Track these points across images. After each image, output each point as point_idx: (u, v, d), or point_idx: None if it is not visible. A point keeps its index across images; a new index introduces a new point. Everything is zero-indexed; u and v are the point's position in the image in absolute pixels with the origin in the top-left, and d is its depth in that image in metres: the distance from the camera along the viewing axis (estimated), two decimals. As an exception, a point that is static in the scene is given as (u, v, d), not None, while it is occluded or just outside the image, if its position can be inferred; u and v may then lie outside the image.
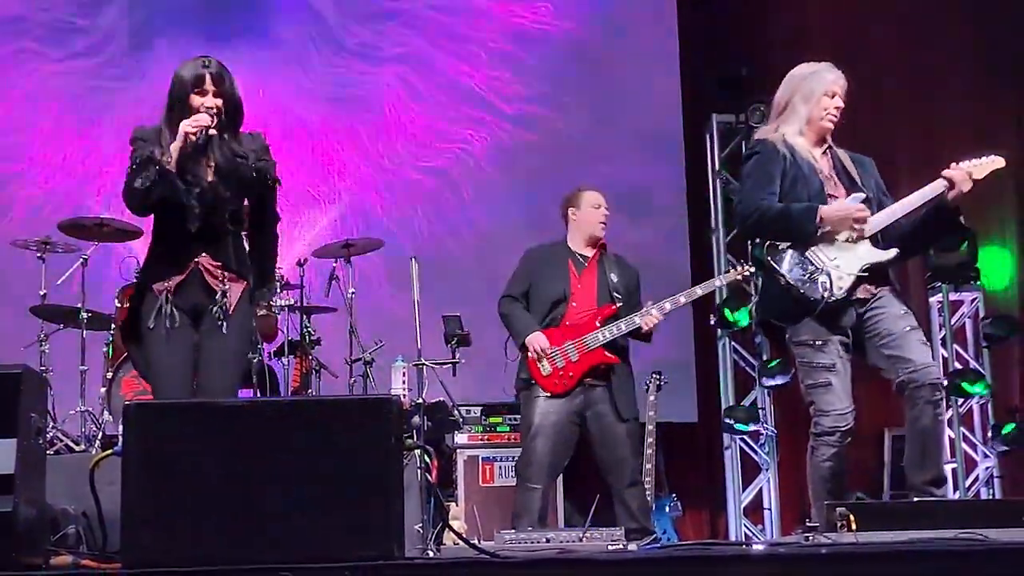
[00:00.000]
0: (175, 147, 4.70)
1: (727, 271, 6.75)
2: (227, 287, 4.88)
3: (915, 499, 4.95)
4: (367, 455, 3.51)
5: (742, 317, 9.02)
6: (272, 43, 9.34)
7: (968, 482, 8.85)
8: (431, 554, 5.47)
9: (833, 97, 5.19)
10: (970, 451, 8.98)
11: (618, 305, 6.42)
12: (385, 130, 9.39)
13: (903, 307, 5.10)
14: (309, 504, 3.48)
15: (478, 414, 7.58)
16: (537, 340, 6.36)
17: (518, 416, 7.30)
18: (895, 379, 5.01)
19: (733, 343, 9.46)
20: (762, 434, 9.24)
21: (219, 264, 4.87)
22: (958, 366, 8.94)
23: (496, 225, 9.13)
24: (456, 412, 7.35)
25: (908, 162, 8.82)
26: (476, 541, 6.01)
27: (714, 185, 9.65)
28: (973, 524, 4.36)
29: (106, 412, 7.14)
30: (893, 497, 8.27)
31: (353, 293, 7.88)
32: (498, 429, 7.61)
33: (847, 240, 5.04)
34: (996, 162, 5.13)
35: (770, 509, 9.17)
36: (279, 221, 5.10)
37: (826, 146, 5.24)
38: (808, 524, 5.03)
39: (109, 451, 3.72)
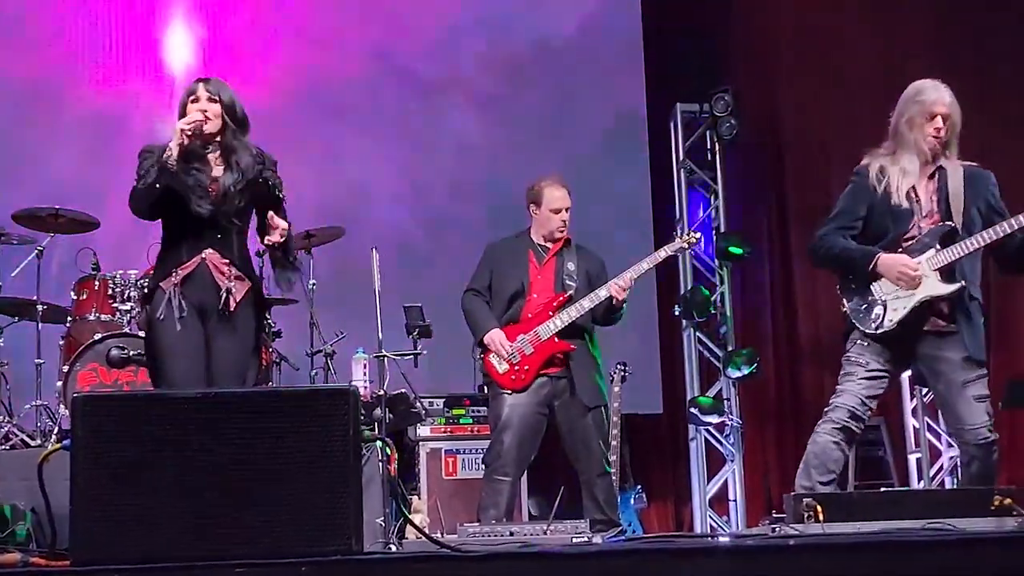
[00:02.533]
0: (174, 144, 4.91)
1: (676, 240, 6.66)
2: (232, 284, 5.03)
3: (881, 489, 4.96)
4: (324, 448, 3.44)
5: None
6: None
7: (932, 471, 8.86)
8: (393, 548, 5.40)
9: (934, 119, 5.21)
10: (935, 441, 8.98)
11: (570, 293, 6.35)
12: (346, 116, 9.30)
13: (965, 351, 5.13)
14: (265, 499, 3.41)
15: (441, 406, 7.51)
16: (494, 338, 6.31)
17: (481, 408, 7.26)
18: (949, 428, 5.34)
19: (698, 334, 9.42)
20: (727, 425, 9.21)
21: (226, 261, 5.03)
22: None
23: (457, 213, 9.03)
24: (418, 404, 7.26)
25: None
26: (439, 534, 5.94)
27: (678, 174, 9.60)
28: (939, 514, 4.36)
29: (62, 406, 7.02)
30: (859, 488, 8.26)
31: (314, 284, 7.79)
32: (461, 421, 7.54)
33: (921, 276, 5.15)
34: None
35: (735, 500, 9.15)
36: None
37: (935, 167, 5.25)
38: (774, 515, 5.00)
39: (58, 446, 3.62)
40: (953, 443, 8.86)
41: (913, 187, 5.23)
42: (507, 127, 9.36)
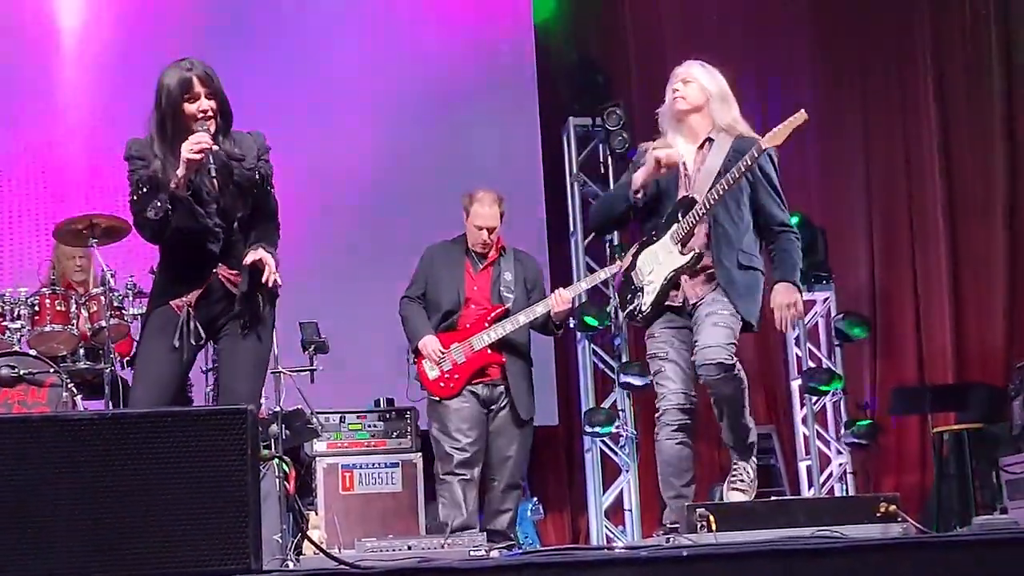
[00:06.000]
0: (181, 173, 4.47)
1: (613, 263, 7.00)
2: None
3: (774, 499, 5.05)
4: (221, 467, 3.44)
5: (600, 319, 9.13)
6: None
7: (823, 478, 9.03)
8: (291, 565, 5.39)
9: (674, 82, 5.31)
10: (824, 448, 9.16)
11: (507, 305, 6.41)
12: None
13: (714, 306, 5.12)
14: (162, 519, 3.39)
15: (337, 421, 7.49)
16: (428, 344, 6.35)
17: (377, 423, 7.29)
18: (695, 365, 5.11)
19: (592, 345, 9.49)
20: (622, 436, 9.29)
21: (236, 272, 4.71)
22: (812, 364, 9.10)
23: (350, 233, 8.96)
24: (315, 420, 7.24)
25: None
26: (336, 550, 5.94)
27: (572, 188, 9.68)
28: (828, 521, 4.46)
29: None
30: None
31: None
32: (358, 436, 7.53)
33: (666, 253, 5.22)
34: (797, 119, 5.10)
35: (631, 510, 9.23)
36: (277, 213, 4.95)
37: (704, 140, 5.29)
38: (668, 525, 5.06)
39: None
40: (842, 450, 9.08)
41: (684, 163, 5.26)
42: (397, 141, 9.30)
